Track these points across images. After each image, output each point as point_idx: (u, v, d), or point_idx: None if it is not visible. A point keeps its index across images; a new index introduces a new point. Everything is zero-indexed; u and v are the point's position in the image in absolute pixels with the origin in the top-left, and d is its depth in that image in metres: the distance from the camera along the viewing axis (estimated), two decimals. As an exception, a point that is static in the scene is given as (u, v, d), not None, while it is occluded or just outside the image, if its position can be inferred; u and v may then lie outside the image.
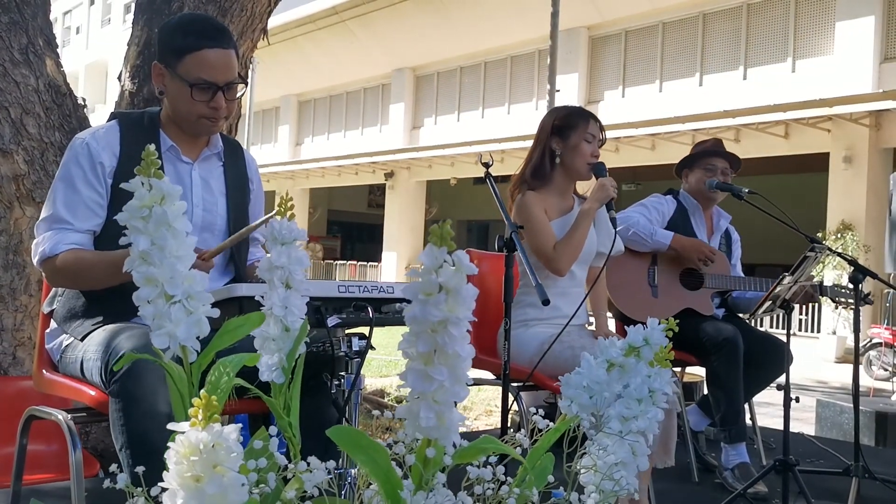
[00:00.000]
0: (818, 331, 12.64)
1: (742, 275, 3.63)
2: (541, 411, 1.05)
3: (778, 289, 2.80)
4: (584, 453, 1.04)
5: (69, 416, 1.86)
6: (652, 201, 3.51)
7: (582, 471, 1.03)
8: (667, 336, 1.10)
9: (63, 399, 2.04)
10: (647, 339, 1.11)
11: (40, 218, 1.94)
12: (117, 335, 1.77)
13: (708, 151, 3.53)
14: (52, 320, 2.04)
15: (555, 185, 2.84)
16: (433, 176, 19.31)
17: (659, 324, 1.14)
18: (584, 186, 2.95)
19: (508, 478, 0.96)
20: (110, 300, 1.86)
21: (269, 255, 1.08)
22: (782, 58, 13.73)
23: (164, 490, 0.69)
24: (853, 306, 2.95)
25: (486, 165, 2.42)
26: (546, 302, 2.06)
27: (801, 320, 13.02)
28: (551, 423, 1.04)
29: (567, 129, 2.81)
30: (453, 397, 0.78)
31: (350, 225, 26.74)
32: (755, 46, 14.13)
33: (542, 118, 2.93)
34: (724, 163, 3.51)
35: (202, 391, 0.74)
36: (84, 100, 3.48)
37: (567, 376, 1.12)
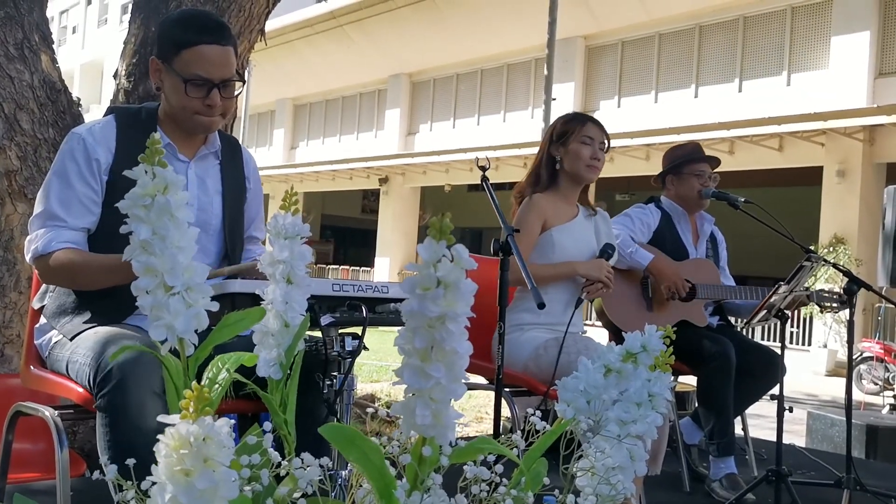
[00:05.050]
0: (809, 344, 12.66)
1: (731, 277, 3.62)
2: (538, 413, 1.03)
3: (773, 298, 2.79)
4: (581, 456, 1.02)
5: (56, 412, 1.83)
6: (637, 213, 3.44)
7: (578, 474, 1.01)
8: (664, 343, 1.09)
9: (51, 397, 2.01)
10: (645, 346, 1.10)
11: (34, 213, 1.91)
12: (108, 344, 1.71)
13: (693, 158, 3.48)
14: (41, 316, 2.01)
15: (561, 191, 2.88)
16: (427, 182, 19.30)
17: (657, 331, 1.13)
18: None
19: (504, 479, 0.95)
20: (102, 299, 1.83)
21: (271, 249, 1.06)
22: (777, 71, 13.78)
23: (153, 484, 0.67)
24: (837, 310, 2.94)
25: (483, 169, 2.40)
26: (541, 305, 2.04)
27: (792, 333, 13.01)
28: (548, 426, 1.03)
29: (565, 134, 2.86)
30: (450, 395, 0.76)
31: (343, 229, 26.68)
32: (751, 59, 14.18)
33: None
34: (709, 167, 3.48)
35: (195, 383, 0.72)
36: (79, 99, 3.46)
37: (564, 380, 1.11)
